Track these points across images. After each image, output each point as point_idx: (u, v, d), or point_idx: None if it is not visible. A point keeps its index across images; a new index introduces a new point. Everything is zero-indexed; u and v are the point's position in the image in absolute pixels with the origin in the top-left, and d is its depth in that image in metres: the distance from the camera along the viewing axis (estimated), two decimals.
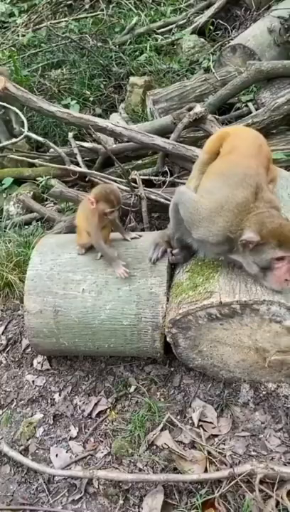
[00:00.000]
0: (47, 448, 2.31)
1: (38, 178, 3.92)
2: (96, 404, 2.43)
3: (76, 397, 2.51)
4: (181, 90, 4.30)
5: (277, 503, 1.90)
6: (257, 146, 2.31)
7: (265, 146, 2.37)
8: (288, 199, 2.54)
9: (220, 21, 5.50)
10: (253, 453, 2.11)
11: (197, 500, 1.95)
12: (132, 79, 4.87)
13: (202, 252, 2.23)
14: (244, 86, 3.95)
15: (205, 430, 2.22)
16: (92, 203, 2.26)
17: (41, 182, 3.85)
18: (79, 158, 3.72)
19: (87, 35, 5.83)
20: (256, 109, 3.88)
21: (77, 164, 3.70)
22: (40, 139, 3.89)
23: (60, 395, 2.52)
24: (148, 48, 5.47)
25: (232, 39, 4.97)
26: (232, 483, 1.91)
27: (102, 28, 6.03)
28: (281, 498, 1.89)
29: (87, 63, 5.41)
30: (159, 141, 3.33)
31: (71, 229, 3.41)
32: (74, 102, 4.81)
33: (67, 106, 4.68)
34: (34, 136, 3.94)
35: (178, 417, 2.31)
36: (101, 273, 2.39)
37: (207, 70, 4.92)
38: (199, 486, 2.01)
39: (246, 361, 2.25)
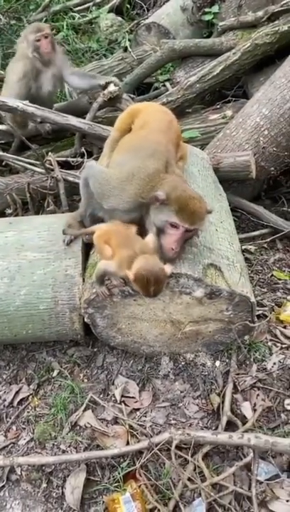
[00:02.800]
0: None
1: None
2: (17, 393, 2.39)
3: None
4: (99, 70, 4.23)
5: (195, 467, 1.99)
6: (167, 121, 2.33)
7: (175, 122, 2.40)
8: (198, 175, 2.60)
9: None
10: (173, 421, 2.18)
11: (119, 473, 1.98)
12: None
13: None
14: (159, 65, 3.95)
15: (126, 405, 2.25)
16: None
17: None
18: None
19: None
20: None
21: None
22: None
23: None
24: (64, 27, 5.30)
25: (147, 17, 4.93)
26: (152, 452, 1.97)
27: (16, 5, 5.73)
28: (197, 461, 1.97)
29: (0, 42, 5.14)
30: (74, 121, 3.25)
31: None
32: None
33: None
34: None
35: (101, 396, 2.32)
36: (13, 258, 2.31)
37: (125, 49, 4.84)
38: (121, 460, 2.05)
39: (164, 334, 2.30)
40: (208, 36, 4.39)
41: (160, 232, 1.92)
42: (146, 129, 2.27)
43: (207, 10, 4.31)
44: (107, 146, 2.56)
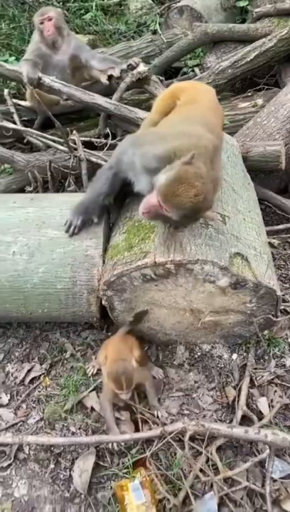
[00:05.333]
0: None
1: None
2: (29, 371, 2.35)
3: (8, 364, 2.41)
4: (126, 51, 4.13)
5: (207, 460, 1.94)
6: (216, 102, 2.23)
7: (219, 104, 2.31)
8: (228, 162, 2.51)
9: None
10: (186, 412, 2.13)
11: (129, 460, 1.94)
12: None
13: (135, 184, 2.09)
14: (190, 48, 3.85)
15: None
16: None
17: None
18: (15, 117, 3.47)
19: None
20: None
21: (14, 124, 3.46)
22: None
23: None
24: (94, 7, 5.19)
25: (179, 1, 4.80)
26: (164, 441, 1.91)
27: None
28: (211, 454, 1.92)
29: (27, 19, 5.05)
30: (101, 100, 3.18)
31: (6, 192, 3.24)
32: (13, 58, 4.49)
33: (5, 62, 4.36)
34: None
35: None
36: (34, 234, 2.26)
37: (154, 32, 4.74)
38: (131, 446, 2.00)
39: (181, 323, 2.24)
40: (241, 23, 4.27)
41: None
42: (197, 104, 2.13)
43: None
44: (144, 126, 2.47)
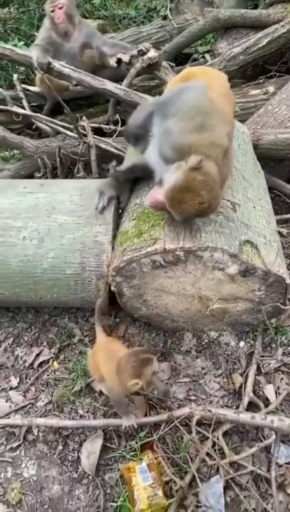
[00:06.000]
0: None
1: None
2: (38, 355, 2.38)
3: (18, 348, 2.44)
4: (136, 36, 4.10)
5: (213, 444, 1.96)
6: (228, 88, 2.20)
7: (230, 90, 2.27)
8: (238, 149, 2.50)
9: None
10: (192, 397, 2.15)
11: (137, 443, 1.97)
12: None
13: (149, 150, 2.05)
14: (201, 34, 3.80)
15: None
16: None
17: None
18: (25, 103, 3.47)
19: None
20: None
21: (23, 109, 3.46)
22: None
23: (0, 347, 2.44)
24: None
25: None
26: (171, 425, 1.94)
27: None
28: (217, 438, 1.94)
29: (36, 3, 5.00)
30: (110, 86, 3.15)
31: (15, 178, 3.24)
32: (22, 43, 4.44)
33: (14, 47, 4.33)
34: None
35: None
36: (44, 220, 2.27)
37: (165, 18, 4.68)
38: (139, 430, 2.03)
39: (189, 310, 2.25)
40: (253, 8, 4.20)
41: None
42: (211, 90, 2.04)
43: None
44: None
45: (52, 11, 3.35)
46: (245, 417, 1.90)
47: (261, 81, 3.43)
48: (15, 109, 3.25)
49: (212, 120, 1.83)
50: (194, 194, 1.71)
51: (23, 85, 3.59)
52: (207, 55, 3.98)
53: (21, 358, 2.39)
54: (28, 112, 3.30)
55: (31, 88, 3.60)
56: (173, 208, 1.79)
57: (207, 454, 1.89)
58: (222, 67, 3.31)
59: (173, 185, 1.74)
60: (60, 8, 3.35)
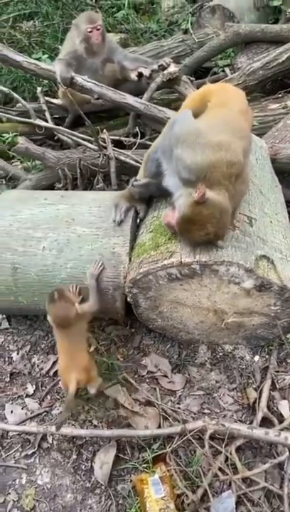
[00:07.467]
0: (1, 405, 2.29)
1: (3, 135, 3.75)
2: (54, 363, 2.41)
3: (34, 355, 2.49)
4: (157, 50, 4.14)
5: (226, 459, 1.96)
6: (246, 104, 2.24)
7: (248, 107, 2.31)
8: (256, 164, 2.52)
9: None
10: (206, 411, 2.16)
11: (149, 455, 1.98)
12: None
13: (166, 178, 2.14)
14: (221, 48, 3.83)
15: (159, 383, 2.24)
16: None
17: (7, 139, 3.68)
18: (47, 115, 3.56)
19: None
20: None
21: (46, 121, 3.55)
22: (4, 89, 3.69)
23: (17, 354, 2.49)
24: (126, 5, 5.23)
25: (212, 0, 4.79)
26: (184, 438, 1.95)
27: None
28: (230, 453, 1.94)
29: (61, 16, 5.12)
30: (131, 100, 3.21)
31: (37, 188, 3.32)
32: (46, 56, 4.56)
33: (38, 60, 4.43)
34: None
35: (136, 376, 2.32)
36: (63, 231, 2.32)
37: (185, 31, 4.73)
38: (152, 442, 2.04)
39: (205, 323, 2.26)
40: (274, 23, 4.24)
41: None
42: (227, 108, 2.12)
43: None
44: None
45: (90, 32, 3.41)
46: (259, 432, 1.90)
47: (280, 95, 3.44)
48: (38, 121, 3.34)
49: (227, 138, 1.87)
50: (200, 226, 1.83)
51: (46, 98, 3.68)
52: (227, 69, 4.00)
53: (38, 366, 2.43)
54: (50, 124, 3.38)
55: (54, 101, 3.68)
56: (182, 235, 1.96)
57: (220, 468, 1.89)
58: (242, 82, 3.33)
59: (181, 215, 1.85)
60: (98, 29, 3.42)
